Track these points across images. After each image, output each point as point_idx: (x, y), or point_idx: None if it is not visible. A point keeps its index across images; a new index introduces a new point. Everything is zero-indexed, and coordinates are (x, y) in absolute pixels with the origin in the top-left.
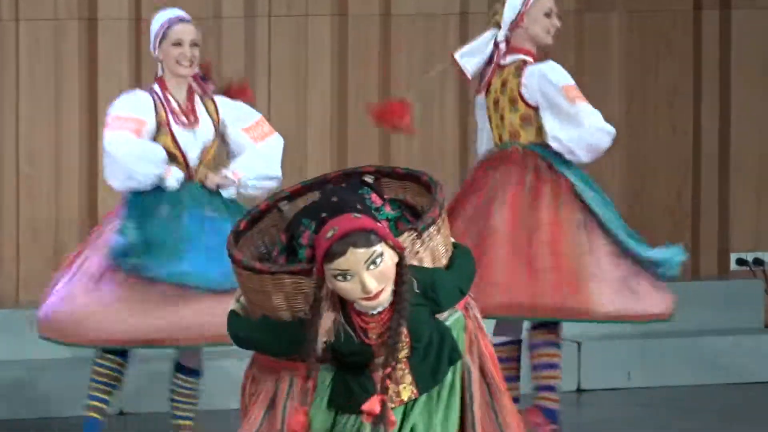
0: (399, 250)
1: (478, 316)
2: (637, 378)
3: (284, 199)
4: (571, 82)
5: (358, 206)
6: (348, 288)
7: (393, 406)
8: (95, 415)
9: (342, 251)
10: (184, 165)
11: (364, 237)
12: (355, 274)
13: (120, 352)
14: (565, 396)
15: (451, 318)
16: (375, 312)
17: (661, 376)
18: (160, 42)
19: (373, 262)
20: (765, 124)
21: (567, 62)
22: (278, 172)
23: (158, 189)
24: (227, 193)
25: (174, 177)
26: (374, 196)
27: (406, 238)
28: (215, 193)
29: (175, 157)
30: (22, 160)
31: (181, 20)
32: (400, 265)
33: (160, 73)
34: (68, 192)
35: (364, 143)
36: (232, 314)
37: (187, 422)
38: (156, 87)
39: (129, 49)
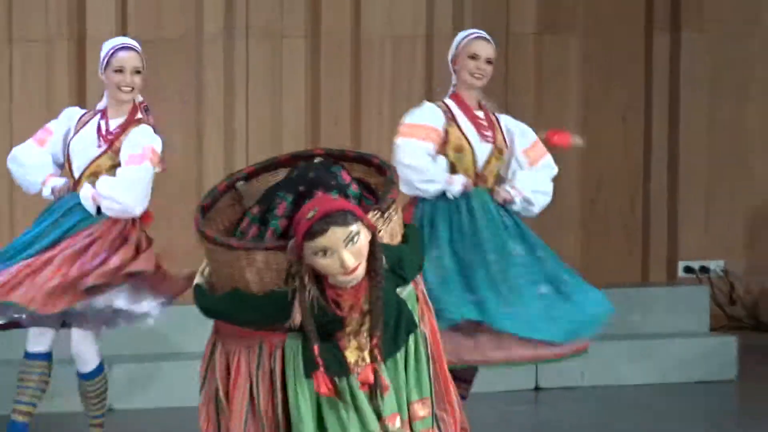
0: (371, 229)
1: (425, 291)
2: (590, 377)
3: (241, 180)
4: None
5: (332, 182)
6: (328, 264)
7: (358, 371)
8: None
9: (323, 230)
10: (70, 174)
11: (343, 217)
12: (335, 252)
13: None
14: (523, 394)
15: (404, 292)
16: (349, 286)
17: (613, 376)
18: (105, 68)
19: (351, 240)
20: (712, 140)
21: (526, 79)
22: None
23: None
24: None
25: (49, 185)
26: (344, 174)
27: (371, 217)
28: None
29: (64, 166)
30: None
31: (124, 48)
32: (373, 243)
33: (104, 98)
34: None
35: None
36: (198, 288)
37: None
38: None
39: None
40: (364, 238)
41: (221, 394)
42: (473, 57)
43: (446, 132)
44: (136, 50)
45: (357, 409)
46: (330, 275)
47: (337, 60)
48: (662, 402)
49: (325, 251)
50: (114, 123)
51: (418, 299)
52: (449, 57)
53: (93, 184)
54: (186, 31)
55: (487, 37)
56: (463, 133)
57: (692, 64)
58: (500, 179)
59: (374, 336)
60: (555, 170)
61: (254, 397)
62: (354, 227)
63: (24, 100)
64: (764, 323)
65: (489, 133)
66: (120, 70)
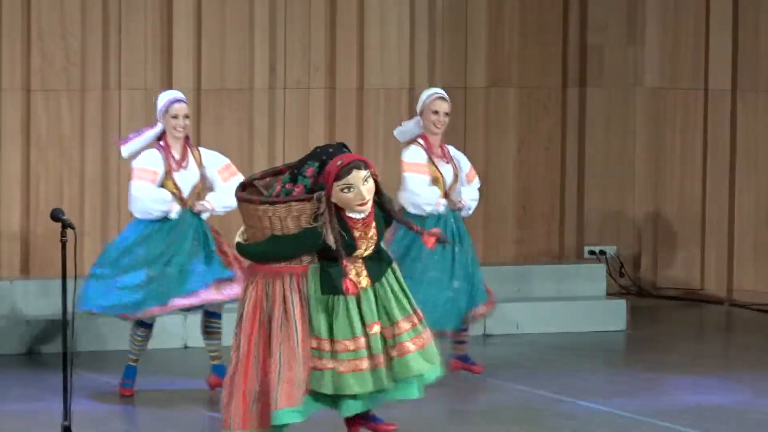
0: (375, 177)
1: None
2: (524, 327)
3: (256, 179)
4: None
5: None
6: (350, 197)
7: (361, 287)
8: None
9: (349, 171)
10: (179, 199)
11: (362, 163)
12: (356, 187)
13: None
14: (476, 338)
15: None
16: (361, 216)
17: (539, 326)
18: (164, 114)
19: (366, 180)
20: (607, 165)
21: (479, 120)
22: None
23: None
24: (204, 216)
25: (175, 210)
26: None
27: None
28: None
29: (175, 194)
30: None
31: (178, 101)
32: (377, 184)
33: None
34: None
35: None
36: (239, 244)
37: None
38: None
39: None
40: (372, 182)
41: (245, 316)
42: (435, 113)
43: (427, 167)
44: (185, 101)
45: (349, 317)
46: (349, 208)
47: (347, 105)
48: (573, 344)
49: (349, 187)
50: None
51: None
52: (418, 110)
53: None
54: (242, 84)
55: (445, 96)
56: (436, 167)
57: (593, 111)
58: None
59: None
60: (479, 184)
61: (282, 315)
62: (367, 172)
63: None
64: (645, 291)
65: (449, 166)
66: (176, 116)
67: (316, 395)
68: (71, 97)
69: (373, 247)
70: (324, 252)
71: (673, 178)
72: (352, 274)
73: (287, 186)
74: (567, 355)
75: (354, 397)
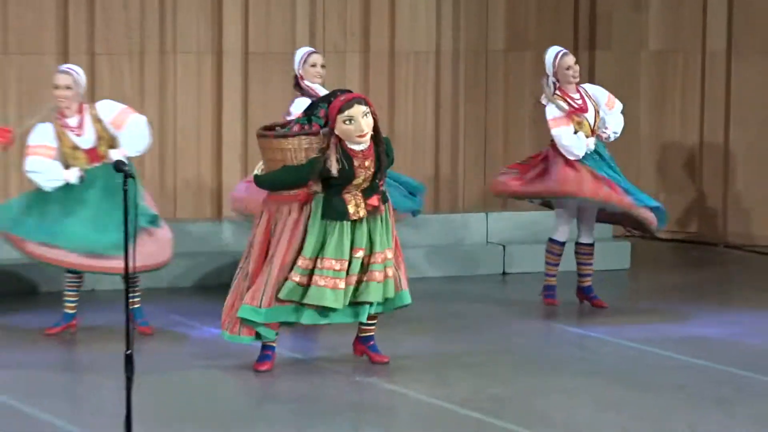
0: (374, 115)
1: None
2: (539, 266)
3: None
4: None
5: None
6: (351, 129)
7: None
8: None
9: (350, 105)
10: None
11: (362, 100)
12: (356, 120)
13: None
14: (495, 276)
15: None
16: (360, 148)
17: (536, 266)
18: (302, 65)
19: (365, 114)
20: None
21: (499, 81)
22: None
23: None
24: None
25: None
26: None
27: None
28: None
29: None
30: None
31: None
32: (375, 122)
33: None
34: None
35: None
36: (257, 176)
37: None
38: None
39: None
40: (371, 118)
41: (255, 239)
42: (568, 68)
43: (571, 117)
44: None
45: (341, 241)
46: (349, 139)
47: (379, 67)
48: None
49: (350, 119)
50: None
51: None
52: (549, 70)
53: None
54: (285, 48)
55: (567, 51)
56: (577, 113)
57: (602, 72)
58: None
59: (381, 178)
60: (621, 107)
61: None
62: (366, 108)
63: (183, 101)
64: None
65: (590, 106)
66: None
67: (283, 306)
68: (132, 60)
69: (370, 178)
70: (327, 181)
71: (673, 133)
72: (351, 205)
73: (303, 126)
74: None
75: (320, 310)
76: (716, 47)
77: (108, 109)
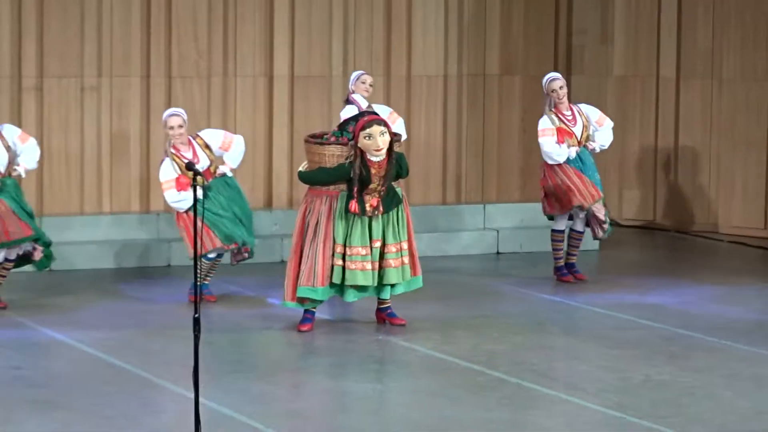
0: (391, 135)
1: (405, 195)
2: (526, 247)
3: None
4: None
5: (378, 117)
6: (369, 144)
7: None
8: None
9: (371, 125)
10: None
11: (381, 121)
12: (374, 137)
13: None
14: (490, 255)
15: (397, 189)
16: (376, 160)
17: (536, 245)
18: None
19: (382, 134)
20: None
21: (494, 99)
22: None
23: None
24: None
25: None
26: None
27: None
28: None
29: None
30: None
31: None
32: (391, 141)
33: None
34: None
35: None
36: (300, 172)
37: None
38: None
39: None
40: (387, 137)
41: (298, 222)
42: (553, 91)
43: (561, 129)
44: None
45: (362, 231)
46: (368, 152)
47: (397, 89)
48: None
49: (369, 136)
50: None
51: (402, 195)
52: (545, 89)
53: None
54: (323, 72)
55: (558, 77)
56: (567, 126)
57: (576, 93)
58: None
59: (384, 184)
60: (612, 124)
61: (316, 224)
62: (383, 128)
63: (241, 116)
64: (614, 222)
65: (579, 121)
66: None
67: (332, 285)
68: (200, 83)
69: (384, 185)
70: (350, 183)
71: (633, 144)
72: (368, 202)
73: (337, 138)
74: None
75: (358, 288)
76: (667, 73)
77: (213, 136)
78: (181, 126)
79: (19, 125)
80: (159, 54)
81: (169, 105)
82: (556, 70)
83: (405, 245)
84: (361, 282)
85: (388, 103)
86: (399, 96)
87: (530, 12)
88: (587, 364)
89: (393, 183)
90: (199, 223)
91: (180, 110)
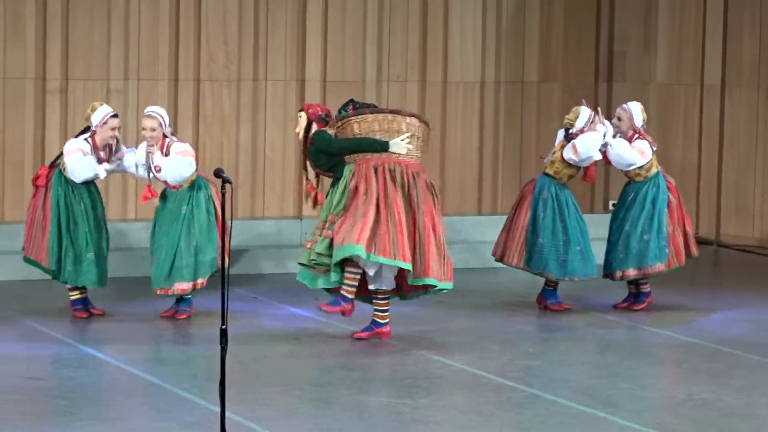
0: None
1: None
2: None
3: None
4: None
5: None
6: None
7: None
8: None
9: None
10: None
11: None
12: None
13: None
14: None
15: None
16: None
17: None
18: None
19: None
20: None
21: (532, 108)
22: None
23: None
24: None
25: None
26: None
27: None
28: None
29: None
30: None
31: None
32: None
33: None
34: None
35: None
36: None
37: None
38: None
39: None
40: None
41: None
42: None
43: None
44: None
45: None
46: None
47: (432, 96)
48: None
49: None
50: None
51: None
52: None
53: None
54: (356, 77)
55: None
56: None
57: (618, 101)
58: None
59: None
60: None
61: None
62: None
63: (271, 121)
64: None
65: None
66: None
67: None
68: (230, 87)
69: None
70: None
71: (676, 154)
72: None
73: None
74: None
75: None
76: (712, 82)
77: (177, 149)
78: (153, 129)
79: (43, 128)
80: (188, 57)
81: (197, 109)
82: (597, 76)
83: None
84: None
85: (422, 110)
86: (434, 103)
87: (571, 17)
88: (627, 381)
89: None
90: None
91: (157, 111)
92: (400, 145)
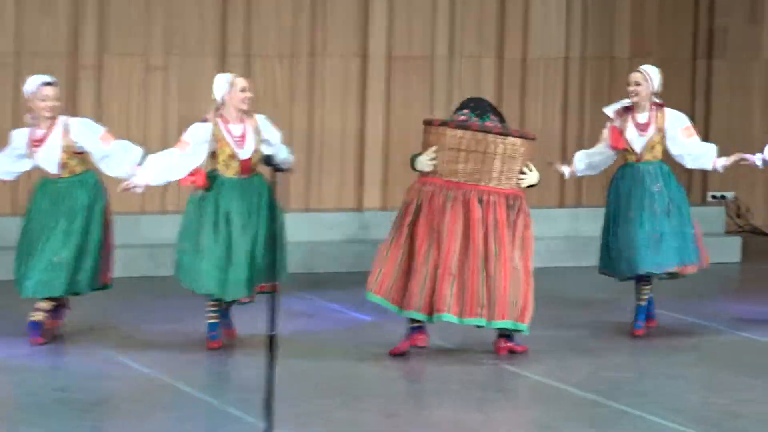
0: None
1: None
2: None
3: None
4: None
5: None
6: None
7: None
8: None
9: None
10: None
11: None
12: None
13: None
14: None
15: None
16: None
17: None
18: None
19: None
20: (732, 125)
21: (622, 85)
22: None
23: None
24: None
25: None
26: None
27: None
28: None
29: None
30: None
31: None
32: None
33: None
34: None
35: None
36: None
37: None
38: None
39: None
40: None
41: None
42: (628, 84)
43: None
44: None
45: None
46: None
47: (510, 74)
48: (698, 271)
49: None
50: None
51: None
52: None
53: None
54: (425, 52)
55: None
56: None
57: (719, 79)
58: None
59: None
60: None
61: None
62: None
63: (330, 101)
64: (758, 230)
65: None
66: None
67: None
68: (282, 63)
69: None
70: None
71: None
72: None
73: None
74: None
75: None
76: None
77: (85, 129)
78: (58, 99)
79: (74, 110)
80: (236, 30)
81: None
82: (695, 53)
83: None
84: None
85: (500, 89)
86: (513, 81)
87: None
88: (725, 396)
89: None
90: None
91: (54, 79)
92: (422, 162)
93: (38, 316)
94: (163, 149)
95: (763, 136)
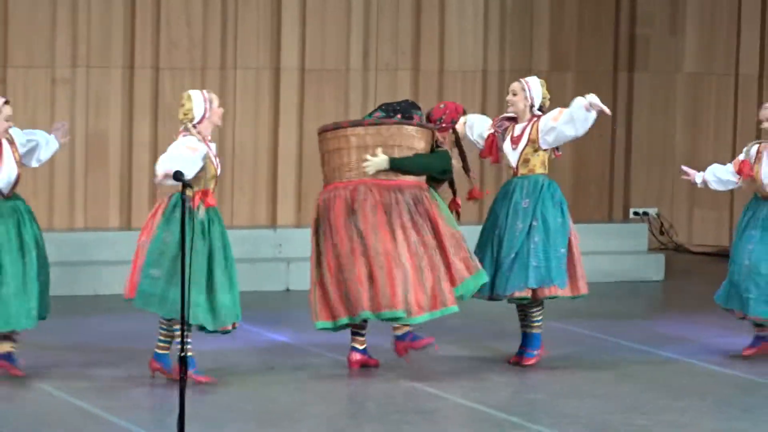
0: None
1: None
2: None
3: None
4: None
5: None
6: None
7: None
8: None
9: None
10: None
11: None
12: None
13: None
14: None
15: None
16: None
17: (589, 277)
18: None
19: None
20: (653, 140)
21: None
22: None
23: None
24: None
25: None
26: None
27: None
28: None
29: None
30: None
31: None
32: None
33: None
34: None
35: None
36: (394, 159)
37: None
38: None
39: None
40: None
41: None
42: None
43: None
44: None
45: None
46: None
47: (429, 86)
48: (621, 289)
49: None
50: None
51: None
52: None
53: None
54: (339, 65)
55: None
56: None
57: (640, 92)
58: None
59: None
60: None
61: None
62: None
63: (241, 114)
64: (681, 247)
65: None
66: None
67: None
68: (193, 75)
69: None
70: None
71: (707, 152)
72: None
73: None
74: (616, 293)
75: None
76: (748, 71)
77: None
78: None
79: None
80: (145, 42)
81: (155, 100)
82: (616, 65)
83: None
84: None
85: (416, 101)
86: (429, 93)
87: None
88: (646, 417)
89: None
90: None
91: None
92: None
93: None
94: (69, 163)
95: (684, 149)
